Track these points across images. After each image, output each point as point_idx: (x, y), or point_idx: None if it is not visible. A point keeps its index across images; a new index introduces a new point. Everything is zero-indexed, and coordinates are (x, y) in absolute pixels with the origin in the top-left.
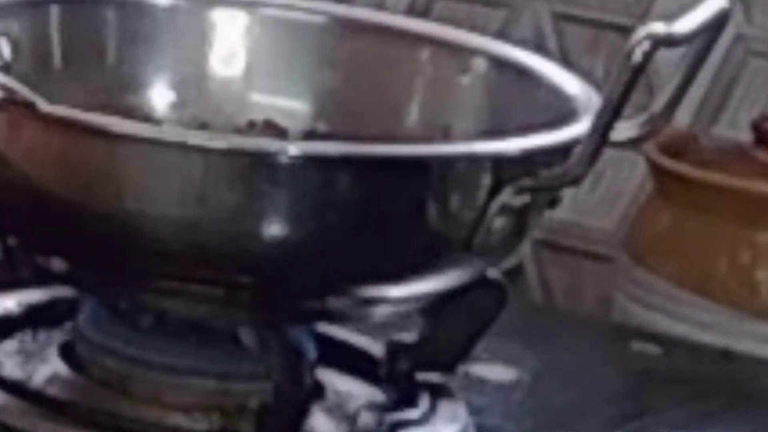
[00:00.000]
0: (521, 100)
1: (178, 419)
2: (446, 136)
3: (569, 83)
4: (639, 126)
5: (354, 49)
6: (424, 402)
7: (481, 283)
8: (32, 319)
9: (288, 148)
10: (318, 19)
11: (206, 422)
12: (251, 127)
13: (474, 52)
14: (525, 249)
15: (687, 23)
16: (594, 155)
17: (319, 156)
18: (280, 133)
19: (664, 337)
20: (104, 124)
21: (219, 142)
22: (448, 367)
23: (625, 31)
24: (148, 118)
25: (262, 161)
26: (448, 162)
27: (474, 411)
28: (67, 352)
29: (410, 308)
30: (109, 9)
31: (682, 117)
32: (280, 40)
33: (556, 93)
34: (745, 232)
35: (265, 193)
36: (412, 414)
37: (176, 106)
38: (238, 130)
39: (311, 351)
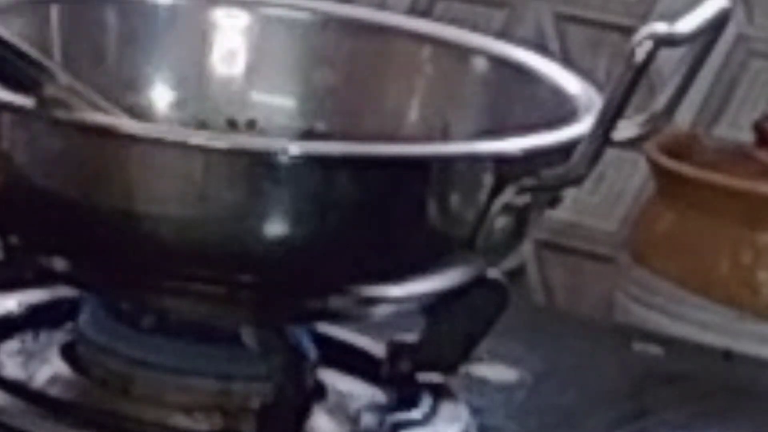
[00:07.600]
0: (522, 99)
1: (179, 419)
2: (446, 135)
3: (570, 83)
4: (640, 126)
5: (354, 49)
6: (426, 402)
7: (482, 283)
8: (33, 319)
9: (289, 148)
10: (318, 18)
11: (207, 423)
12: (249, 127)
13: (475, 51)
14: (527, 249)
15: (688, 23)
16: (596, 155)
17: (320, 156)
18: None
19: (666, 338)
20: (105, 123)
21: (219, 142)
22: (450, 368)
23: (627, 31)
24: (148, 117)
25: (263, 161)
26: (449, 162)
27: (475, 411)
28: (68, 353)
29: (411, 308)
30: (109, 9)
31: (684, 117)
32: (279, 40)
33: (557, 93)
34: (747, 232)
35: (266, 193)
36: (414, 414)
37: (176, 105)
38: (237, 130)
39: (312, 351)
